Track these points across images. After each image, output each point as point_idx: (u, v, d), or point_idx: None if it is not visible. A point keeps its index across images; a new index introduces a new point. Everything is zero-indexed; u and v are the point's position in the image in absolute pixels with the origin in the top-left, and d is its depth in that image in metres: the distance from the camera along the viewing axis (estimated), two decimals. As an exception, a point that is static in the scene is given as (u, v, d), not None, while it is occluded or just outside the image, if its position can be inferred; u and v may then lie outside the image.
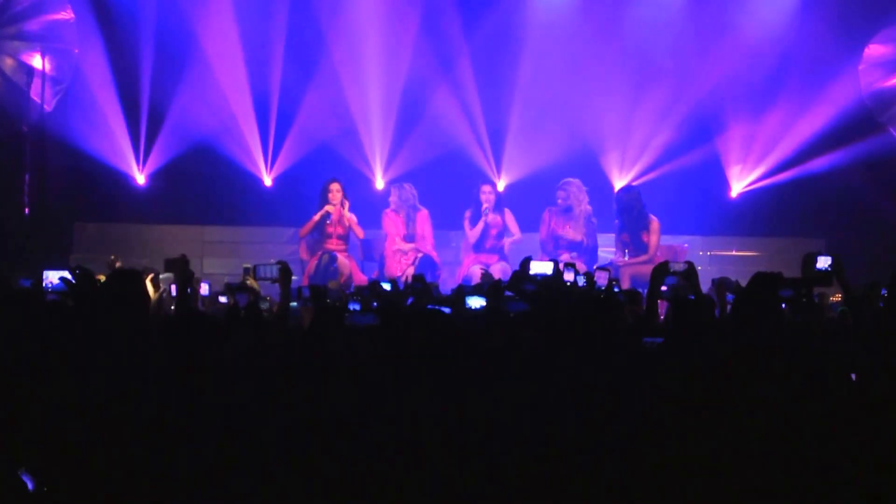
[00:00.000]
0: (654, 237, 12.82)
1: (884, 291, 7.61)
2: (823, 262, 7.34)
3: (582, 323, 5.00)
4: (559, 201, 13.20)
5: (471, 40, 14.63)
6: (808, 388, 4.69)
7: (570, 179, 13.33)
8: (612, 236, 13.18)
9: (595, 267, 8.85)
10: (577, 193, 13.19)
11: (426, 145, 14.64)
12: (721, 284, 8.01)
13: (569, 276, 8.00)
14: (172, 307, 7.48)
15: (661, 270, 6.83)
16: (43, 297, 6.21)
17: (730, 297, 8.01)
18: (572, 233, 13.08)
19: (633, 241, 12.89)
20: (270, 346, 5.45)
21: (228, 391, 4.56)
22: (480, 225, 13.15)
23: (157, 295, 7.92)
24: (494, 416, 4.33)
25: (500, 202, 13.41)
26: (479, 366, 4.65)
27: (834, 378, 4.87)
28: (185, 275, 6.75)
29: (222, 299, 9.15)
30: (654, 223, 12.91)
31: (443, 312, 5.09)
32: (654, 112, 14.79)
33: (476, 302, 7.05)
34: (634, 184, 14.07)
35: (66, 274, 5.95)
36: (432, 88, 14.68)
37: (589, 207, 13.25)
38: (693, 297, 6.72)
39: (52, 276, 6.78)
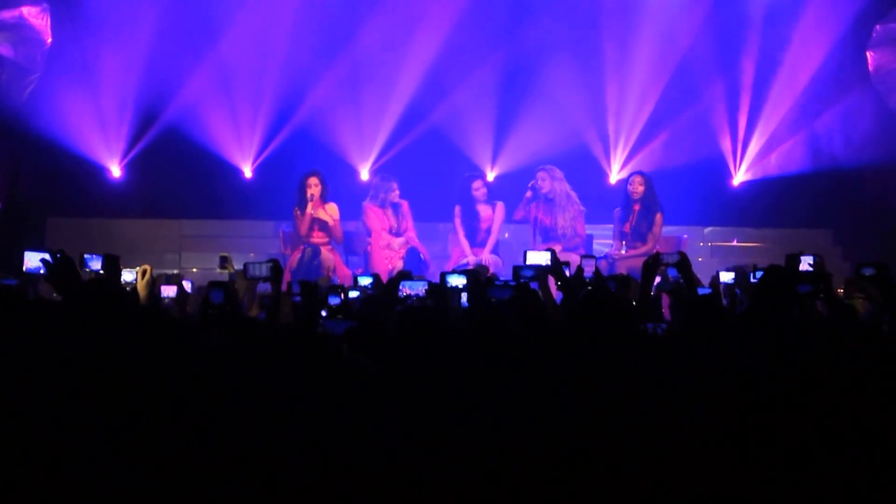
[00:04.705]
0: (657, 229, 12.41)
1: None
2: (807, 263, 7.03)
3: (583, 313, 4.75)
4: (536, 184, 12.70)
5: (460, 27, 14.14)
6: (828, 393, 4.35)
7: (546, 166, 12.84)
8: (608, 227, 12.79)
9: (581, 256, 8.55)
10: (550, 180, 12.71)
11: (413, 134, 14.30)
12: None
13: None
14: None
15: (654, 262, 6.61)
16: (27, 296, 5.95)
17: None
18: (578, 226, 12.66)
19: (633, 232, 12.43)
20: (251, 348, 5.02)
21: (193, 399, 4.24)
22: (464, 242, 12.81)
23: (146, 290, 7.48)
24: (489, 417, 4.08)
25: (493, 194, 12.94)
26: (468, 363, 4.41)
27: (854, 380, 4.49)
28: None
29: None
30: (659, 215, 12.47)
31: (427, 309, 5.10)
32: (653, 99, 14.45)
33: (456, 280, 7.10)
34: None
35: (47, 256, 5.63)
36: (421, 75, 14.20)
37: (573, 193, 12.74)
38: (689, 290, 6.54)
39: (32, 258, 6.89)
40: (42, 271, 5.87)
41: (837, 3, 14.01)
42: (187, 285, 8.70)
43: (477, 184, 12.89)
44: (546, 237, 12.54)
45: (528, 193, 12.65)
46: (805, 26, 14.16)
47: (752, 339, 4.96)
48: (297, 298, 7.04)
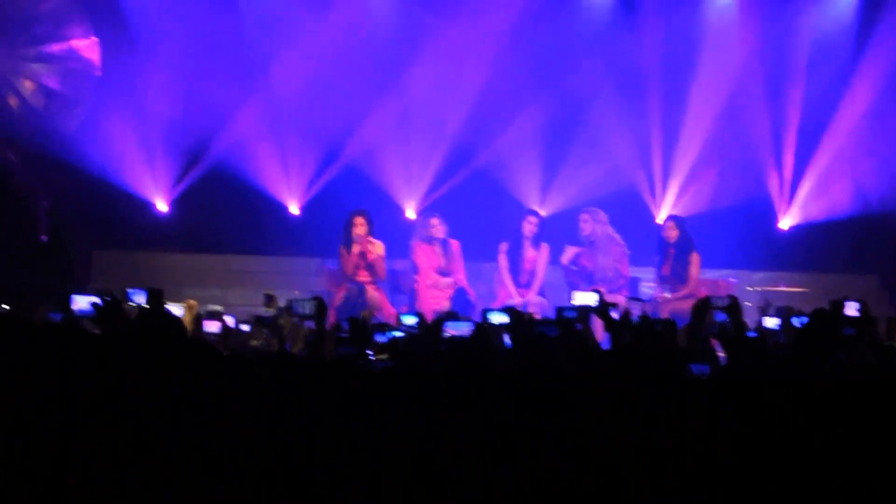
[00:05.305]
0: (695, 270, 12.37)
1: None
2: (853, 309, 6.96)
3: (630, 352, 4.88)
4: (583, 226, 12.71)
5: (508, 68, 14.10)
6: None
7: (590, 208, 12.89)
8: (653, 270, 12.76)
9: (628, 298, 8.59)
10: (593, 222, 12.69)
11: (461, 174, 14.30)
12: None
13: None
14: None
15: (704, 306, 6.56)
16: (77, 330, 5.98)
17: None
18: (621, 267, 12.62)
19: (673, 275, 12.39)
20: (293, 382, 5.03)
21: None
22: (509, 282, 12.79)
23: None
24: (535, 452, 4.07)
25: (540, 235, 12.90)
26: (515, 397, 4.38)
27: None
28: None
29: (244, 327, 8.68)
30: (695, 255, 12.43)
31: (472, 345, 5.05)
32: (699, 140, 14.39)
33: (498, 318, 7.19)
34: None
35: (96, 299, 5.72)
36: (469, 115, 14.15)
37: (616, 235, 12.72)
38: (737, 334, 6.49)
39: (81, 301, 6.99)
40: (91, 314, 5.95)
41: (885, 45, 13.95)
42: (230, 321, 8.71)
43: (531, 218, 12.90)
44: (589, 281, 12.47)
45: (566, 260, 12.68)
46: (852, 68, 14.12)
47: (796, 381, 4.89)
48: (343, 335, 7.05)
